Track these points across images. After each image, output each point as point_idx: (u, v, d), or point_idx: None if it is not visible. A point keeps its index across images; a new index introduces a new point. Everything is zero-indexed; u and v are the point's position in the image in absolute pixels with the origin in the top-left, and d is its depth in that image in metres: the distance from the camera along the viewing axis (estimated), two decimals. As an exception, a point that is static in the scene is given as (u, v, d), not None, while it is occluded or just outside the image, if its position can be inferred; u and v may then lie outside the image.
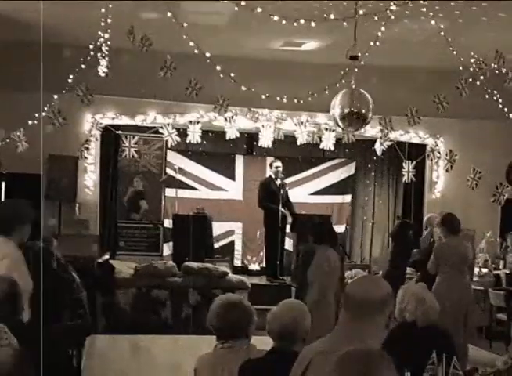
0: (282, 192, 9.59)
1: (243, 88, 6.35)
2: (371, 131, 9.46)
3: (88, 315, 7.16)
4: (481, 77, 7.49)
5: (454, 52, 6.06)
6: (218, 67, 6.00)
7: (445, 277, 6.71)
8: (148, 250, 9.99)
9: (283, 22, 6.42)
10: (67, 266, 6.46)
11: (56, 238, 7.84)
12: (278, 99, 7.29)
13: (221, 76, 6.07)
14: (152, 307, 8.53)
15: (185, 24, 5.53)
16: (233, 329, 3.20)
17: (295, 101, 7.18)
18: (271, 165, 9.92)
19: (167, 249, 10.17)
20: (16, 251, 4.03)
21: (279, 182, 9.64)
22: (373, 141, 9.88)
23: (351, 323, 2.35)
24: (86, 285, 7.64)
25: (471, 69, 6.83)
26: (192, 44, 5.60)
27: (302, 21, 6.44)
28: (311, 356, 2.40)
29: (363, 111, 6.24)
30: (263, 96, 6.77)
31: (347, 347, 2.32)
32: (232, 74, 6.45)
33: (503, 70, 7.44)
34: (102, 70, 7.20)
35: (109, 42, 6.99)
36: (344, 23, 6.36)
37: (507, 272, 9.46)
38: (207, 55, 5.90)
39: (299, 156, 11.02)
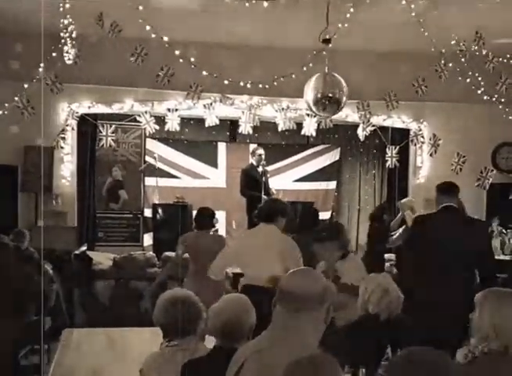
0: (264, 179, 9.41)
1: (205, 73, 6.16)
2: (353, 116, 9.28)
3: (63, 309, 7.07)
4: (462, 60, 7.34)
5: (426, 34, 5.85)
6: (176, 52, 5.81)
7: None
8: (128, 240, 9.84)
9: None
10: (33, 259, 6.30)
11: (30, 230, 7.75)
12: (249, 85, 7.09)
13: (181, 60, 5.87)
14: (131, 299, 8.38)
15: (140, 7, 5.33)
16: (180, 326, 3.02)
17: (264, 86, 6.96)
18: (253, 153, 9.68)
19: (148, 239, 9.98)
20: None
21: (260, 169, 9.45)
22: (356, 126, 9.68)
23: (287, 320, 2.18)
24: (63, 277, 7.57)
25: (442, 50, 6.61)
26: (148, 27, 5.40)
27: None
28: (246, 355, 2.25)
29: (337, 96, 6.07)
30: (226, 82, 6.57)
31: (284, 346, 2.19)
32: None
33: (484, 52, 7.29)
34: (72, 58, 7.03)
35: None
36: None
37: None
38: (165, 39, 5.70)
39: (283, 142, 10.86)
